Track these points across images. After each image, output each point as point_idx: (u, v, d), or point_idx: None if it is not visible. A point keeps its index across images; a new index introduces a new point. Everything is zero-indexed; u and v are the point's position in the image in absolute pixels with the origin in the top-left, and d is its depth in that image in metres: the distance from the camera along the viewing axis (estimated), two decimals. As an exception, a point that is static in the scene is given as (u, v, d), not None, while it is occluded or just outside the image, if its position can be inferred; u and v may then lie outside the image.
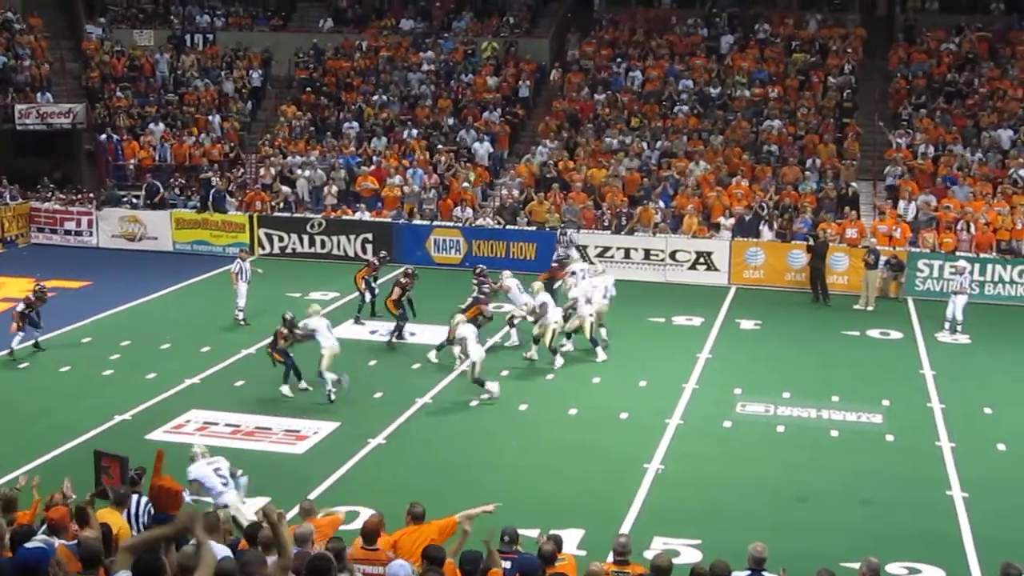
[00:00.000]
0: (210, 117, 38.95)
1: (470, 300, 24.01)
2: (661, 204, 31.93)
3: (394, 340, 24.54)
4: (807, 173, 33.14)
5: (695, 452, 18.71)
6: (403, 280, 24.61)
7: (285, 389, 21.00)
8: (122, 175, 37.30)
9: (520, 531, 11.70)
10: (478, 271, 24.93)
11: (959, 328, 25.71)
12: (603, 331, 24.35)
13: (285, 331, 21.03)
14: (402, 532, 11.49)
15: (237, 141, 38.22)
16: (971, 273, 27.20)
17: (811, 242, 29.08)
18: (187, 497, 13.52)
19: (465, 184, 33.71)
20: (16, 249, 33.79)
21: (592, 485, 17.21)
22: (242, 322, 25.86)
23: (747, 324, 26.53)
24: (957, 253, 29.11)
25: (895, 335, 26.05)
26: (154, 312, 27.31)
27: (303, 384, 21.14)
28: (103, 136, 38.20)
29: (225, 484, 14.51)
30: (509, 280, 24.61)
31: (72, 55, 42.45)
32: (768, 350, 24.66)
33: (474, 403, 20.76)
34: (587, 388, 21.90)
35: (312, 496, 15.90)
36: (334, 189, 34.38)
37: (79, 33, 42.88)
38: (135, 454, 14.66)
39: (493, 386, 20.99)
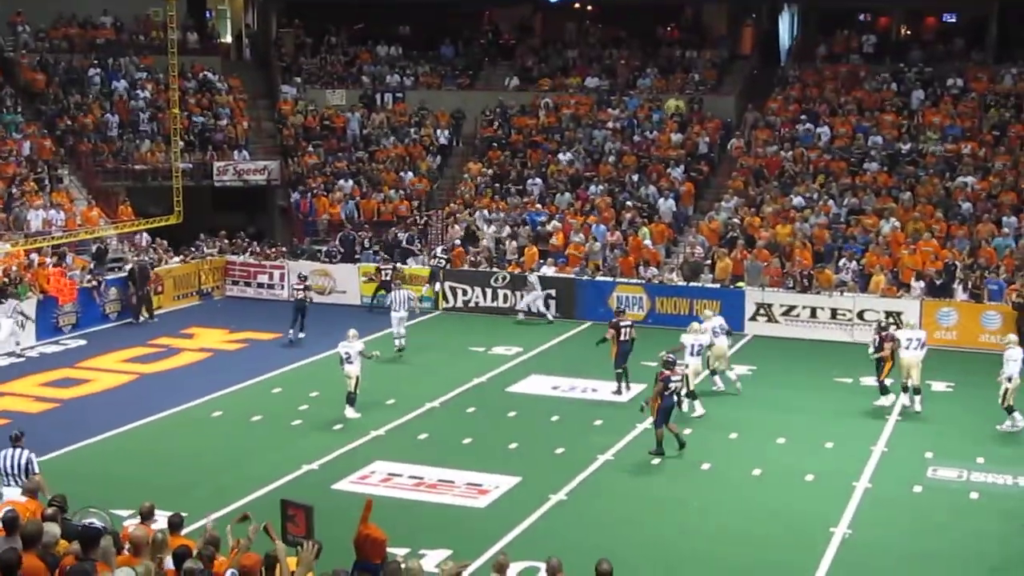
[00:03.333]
0: (400, 174, 39.82)
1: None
2: (850, 264, 31.32)
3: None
4: (1003, 231, 32.13)
5: (884, 517, 18.18)
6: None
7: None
8: (313, 231, 38.32)
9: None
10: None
11: None
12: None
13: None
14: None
15: (425, 197, 38.89)
16: None
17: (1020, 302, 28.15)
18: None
19: (646, 242, 33.59)
20: (211, 301, 34.97)
21: (777, 548, 16.86)
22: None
23: (939, 386, 25.73)
24: None
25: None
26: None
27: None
28: (296, 193, 39.35)
29: None
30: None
31: (268, 114, 43.95)
32: (961, 413, 23.87)
33: (656, 462, 20.60)
34: (772, 448, 21.51)
35: (492, 551, 15.96)
36: (515, 244, 34.74)
37: (275, 93, 44.38)
38: (321, 503, 14.87)
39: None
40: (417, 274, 33.77)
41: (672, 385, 20.70)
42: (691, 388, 23.34)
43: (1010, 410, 22.59)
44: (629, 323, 24.98)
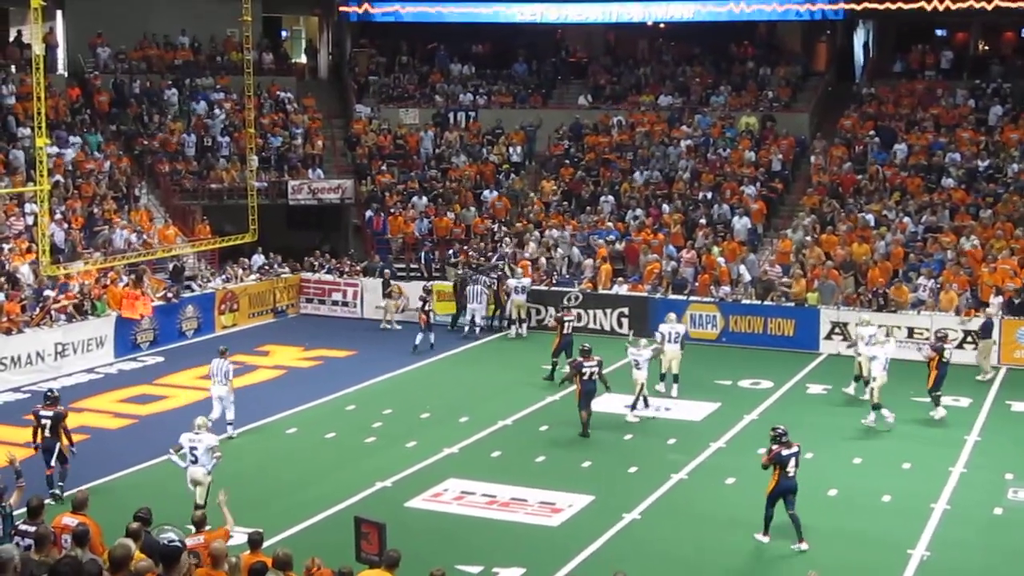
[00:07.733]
0: (482, 193, 39.90)
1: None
2: (927, 282, 30.87)
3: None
4: (1085, 249, 31.56)
5: (963, 540, 17.91)
6: None
7: None
8: (386, 249, 38.50)
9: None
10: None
11: None
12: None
13: None
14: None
15: (506, 216, 38.81)
16: None
17: None
18: None
19: (720, 259, 33.33)
20: (286, 319, 35.24)
21: (854, 570, 16.64)
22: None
23: (1019, 406, 25.34)
24: None
25: None
26: (415, 382, 28.00)
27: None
28: (370, 212, 39.56)
29: None
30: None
31: (342, 133, 44.33)
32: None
33: (729, 481, 20.44)
34: (848, 469, 21.27)
35: (565, 570, 15.92)
36: (589, 262, 34.62)
37: (349, 112, 44.78)
38: (394, 521, 14.96)
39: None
40: (444, 290, 34.03)
41: (585, 370, 22.84)
42: (675, 372, 25.90)
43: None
44: (573, 318, 28.75)
